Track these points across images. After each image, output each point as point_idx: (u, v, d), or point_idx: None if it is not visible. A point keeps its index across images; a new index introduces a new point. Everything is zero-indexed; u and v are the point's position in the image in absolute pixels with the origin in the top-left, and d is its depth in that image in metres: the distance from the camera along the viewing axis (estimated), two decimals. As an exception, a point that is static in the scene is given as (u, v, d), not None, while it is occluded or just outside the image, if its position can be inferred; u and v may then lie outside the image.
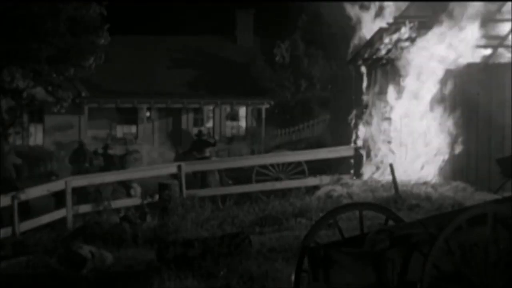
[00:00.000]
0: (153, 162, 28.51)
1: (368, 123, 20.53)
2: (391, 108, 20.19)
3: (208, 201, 18.04)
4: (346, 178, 20.11)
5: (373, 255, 7.19)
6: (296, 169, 21.18)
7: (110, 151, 26.37)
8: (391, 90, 20.17)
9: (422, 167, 19.73)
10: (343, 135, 21.22)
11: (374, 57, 20.98)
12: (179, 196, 17.66)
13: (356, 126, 20.70)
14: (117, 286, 11.35)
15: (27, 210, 19.50)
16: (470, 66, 20.13)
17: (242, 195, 20.29)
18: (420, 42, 20.18)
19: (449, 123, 19.89)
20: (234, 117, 38.38)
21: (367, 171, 20.33)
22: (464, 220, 7.11)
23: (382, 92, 20.25)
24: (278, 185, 20.67)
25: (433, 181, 19.04)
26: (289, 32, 38.98)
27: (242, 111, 38.47)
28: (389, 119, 20.20)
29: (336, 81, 23.55)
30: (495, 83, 19.67)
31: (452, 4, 19.93)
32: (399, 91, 20.10)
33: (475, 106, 19.65)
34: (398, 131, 20.05)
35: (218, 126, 37.53)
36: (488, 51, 20.56)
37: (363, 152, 20.46)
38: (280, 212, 16.15)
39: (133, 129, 37.37)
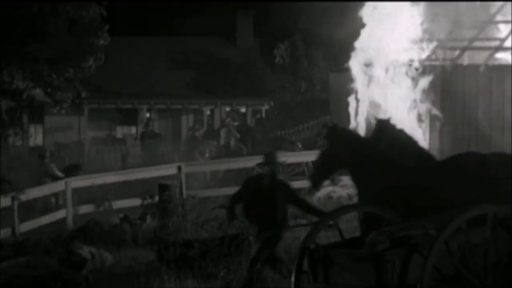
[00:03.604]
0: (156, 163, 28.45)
1: (367, 123, 20.51)
2: (387, 107, 20.18)
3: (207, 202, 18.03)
4: (346, 179, 20.03)
5: (373, 256, 7.19)
6: (296, 170, 21.15)
7: None
8: (387, 89, 20.15)
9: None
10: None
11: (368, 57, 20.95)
12: (179, 197, 17.62)
13: (354, 126, 20.69)
14: (117, 287, 11.35)
15: None
16: (470, 66, 20.15)
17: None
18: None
19: (447, 123, 19.89)
20: (234, 118, 38.33)
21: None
22: (463, 221, 7.11)
23: (378, 91, 20.24)
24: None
25: None
26: (289, 33, 38.93)
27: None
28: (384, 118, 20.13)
29: (335, 82, 23.55)
30: (495, 84, 19.69)
31: None
32: (393, 90, 20.09)
33: (474, 107, 19.66)
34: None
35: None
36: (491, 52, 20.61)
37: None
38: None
39: (133, 130, 37.32)
